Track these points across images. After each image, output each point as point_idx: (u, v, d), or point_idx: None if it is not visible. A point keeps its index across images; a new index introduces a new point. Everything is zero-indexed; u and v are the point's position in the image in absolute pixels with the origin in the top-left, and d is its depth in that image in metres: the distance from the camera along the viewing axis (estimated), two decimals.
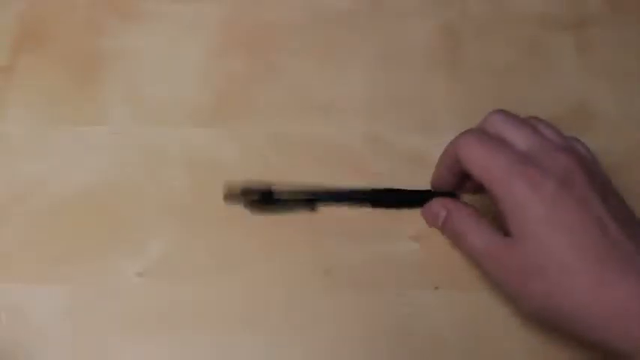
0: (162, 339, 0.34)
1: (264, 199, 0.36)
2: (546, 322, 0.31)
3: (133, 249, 0.36)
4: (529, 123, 0.32)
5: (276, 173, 0.37)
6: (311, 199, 0.36)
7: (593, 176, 0.30)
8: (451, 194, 0.35)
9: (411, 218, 0.36)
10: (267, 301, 0.35)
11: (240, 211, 0.36)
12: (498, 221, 0.31)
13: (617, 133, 0.40)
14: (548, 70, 0.41)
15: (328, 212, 0.36)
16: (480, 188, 0.32)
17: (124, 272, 0.35)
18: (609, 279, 0.28)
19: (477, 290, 0.35)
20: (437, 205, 0.35)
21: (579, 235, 0.28)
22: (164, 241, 0.36)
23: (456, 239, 0.33)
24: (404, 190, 0.37)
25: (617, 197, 0.31)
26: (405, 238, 0.36)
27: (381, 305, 0.34)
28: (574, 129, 0.40)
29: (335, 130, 0.39)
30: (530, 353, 0.33)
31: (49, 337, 0.33)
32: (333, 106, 0.40)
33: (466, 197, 0.35)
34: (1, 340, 0.33)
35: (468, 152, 0.31)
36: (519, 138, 0.31)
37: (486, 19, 0.43)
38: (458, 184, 0.34)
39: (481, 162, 0.30)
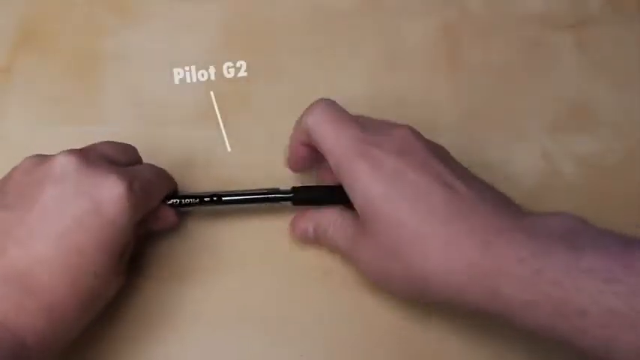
0: (164, 337, 0.34)
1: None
2: (420, 297, 0.30)
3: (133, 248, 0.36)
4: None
5: (277, 173, 0.37)
6: (216, 195, 0.34)
7: (428, 142, 0.31)
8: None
9: None
10: (267, 300, 0.35)
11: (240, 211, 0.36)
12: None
13: (617, 133, 0.40)
14: (548, 70, 0.41)
15: None
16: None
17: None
18: (458, 237, 0.27)
19: None
20: (302, 220, 0.34)
21: (425, 199, 0.28)
22: (164, 241, 0.36)
23: (332, 248, 0.34)
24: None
25: (453, 159, 0.31)
26: None
27: (381, 306, 0.34)
28: (574, 129, 0.40)
29: None
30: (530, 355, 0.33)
31: None
32: None
33: None
34: None
35: (317, 127, 0.31)
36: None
37: (486, 19, 0.43)
38: (311, 161, 0.34)
39: (329, 140, 0.31)
